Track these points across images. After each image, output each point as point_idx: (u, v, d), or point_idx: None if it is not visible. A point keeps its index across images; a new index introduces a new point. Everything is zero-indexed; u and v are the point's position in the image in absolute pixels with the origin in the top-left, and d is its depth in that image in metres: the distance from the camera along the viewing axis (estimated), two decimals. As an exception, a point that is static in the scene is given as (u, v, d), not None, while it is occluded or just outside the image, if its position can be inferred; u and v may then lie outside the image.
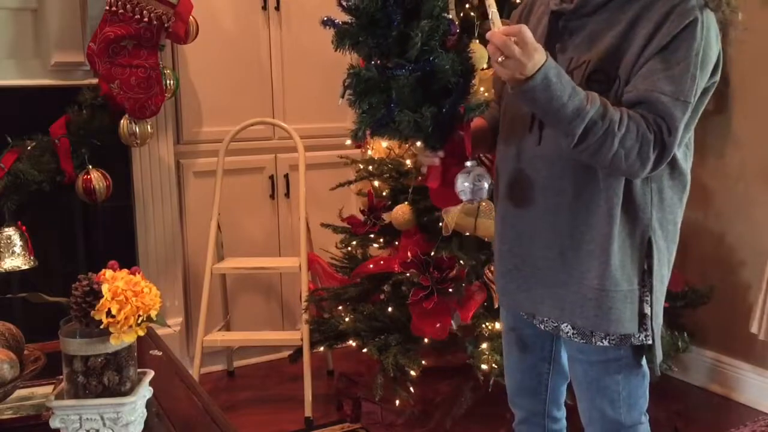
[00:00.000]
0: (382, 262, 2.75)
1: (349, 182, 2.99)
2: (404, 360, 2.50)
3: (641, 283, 1.42)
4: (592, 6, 1.39)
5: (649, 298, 1.43)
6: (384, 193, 2.85)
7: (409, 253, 2.58)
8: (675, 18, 1.29)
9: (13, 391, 1.48)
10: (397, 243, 2.81)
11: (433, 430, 2.66)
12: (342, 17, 1.35)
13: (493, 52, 1.25)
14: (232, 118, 3.14)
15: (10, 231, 2.57)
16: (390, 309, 2.66)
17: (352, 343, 2.73)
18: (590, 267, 1.41)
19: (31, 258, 2.59)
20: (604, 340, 1.45)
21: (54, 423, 1.29)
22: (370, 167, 2.90)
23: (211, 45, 3.15)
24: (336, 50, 1.35)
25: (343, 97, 1.36)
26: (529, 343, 1.64)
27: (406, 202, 2.67)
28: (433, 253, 2.55)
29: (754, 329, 2.70)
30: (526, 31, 1.23)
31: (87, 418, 1.29)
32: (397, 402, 2.61)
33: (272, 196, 3.39)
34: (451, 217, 2.50)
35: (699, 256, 3.00)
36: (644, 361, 1.51)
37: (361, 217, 2.89)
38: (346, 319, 2.72)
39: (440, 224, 2.56)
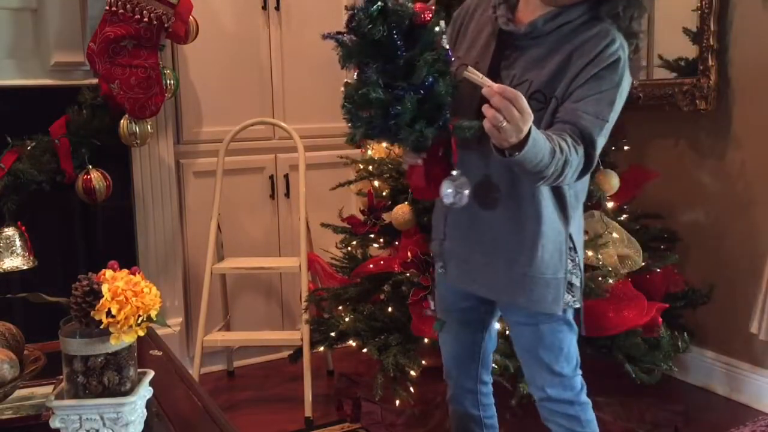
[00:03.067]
0: (382, 262, 2.75)
1: (349, 182, 2.98)
2: (404, 360, 2.50)
3: (568, 271, 1.66)
4: (538, 32, 1.57)
5: (579, 279, 1.70)
6: (384, 193, 2.85)
7: (409, 253, 2.58)
8: (604, 56, 1.51)
9: (13, 391, 1.48)
10: (397, 243, 2.81)
11: (433, 430, 2.66)
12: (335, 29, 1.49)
13: (493, 116, 1.32)
14: (232, 118, 3.14)
15: (10, 231, 2.57)
16: (390, 309, 2.66)
17: (352, 343, 2.73)
18: (519, 256, 1.63)
19: (31, 258, 2.59)
20: None
21: (54, 423, 1.29)
22: (370, 167, 2.90)
23: (211, 45, 3.15)
24: (342, 68, 1.47)
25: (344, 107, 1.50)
26: (468, 316, 1.85)
27: (406, 202, 2.67)
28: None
29: (754, 329, 2.70)
30: (521, 97, 1.33)
31: (87, 418, 1.29)
32: (397, 402, 2.60)
33: (272, 196, 3.39)
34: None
35: (699, 256, 3.01)
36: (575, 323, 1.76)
37: (361, 217, 2.89)
38: (346, 319, 2.72)
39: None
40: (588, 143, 1.48)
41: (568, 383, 1.75)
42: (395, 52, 1.41)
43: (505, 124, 1.31)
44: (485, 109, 1.33)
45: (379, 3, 1.39)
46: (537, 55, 1.56)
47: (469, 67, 1.42)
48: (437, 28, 1.43)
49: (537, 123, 1.43)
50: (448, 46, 1.45)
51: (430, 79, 1.42)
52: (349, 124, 1.49)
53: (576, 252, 1.68)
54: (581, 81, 1.51)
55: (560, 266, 1.65)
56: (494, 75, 1.58)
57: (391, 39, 1.40)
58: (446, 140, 1.54)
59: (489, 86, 1.35)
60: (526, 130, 1.33)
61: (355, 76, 1.48)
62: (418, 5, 1.44)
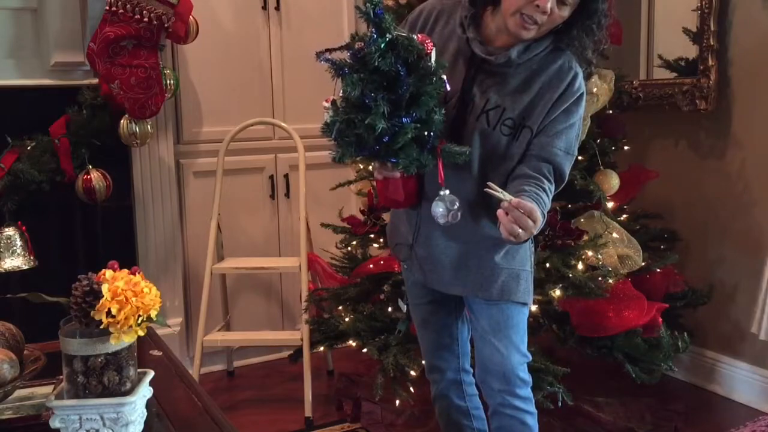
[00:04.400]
0: (382, 262, 2.75)
1: (349, 182, 2.98)
2: (404, 360, 2.50)
3: (531, 264, 1.81)
4: (513, 63, 1.65)
5: (533, 272, 1.85)
6: (384, 193, 2.85)
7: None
8: (571, 92, 1.66)
9: (13, 391, 1.48)
10: (397, 243, 2.81)
11: (433, 430, 2.66)
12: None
13: (511, 228, 1.48)
14: (232, 118, 3.14)
15: (10, 231, 2.57)
16: (390, 309, 2.66)
17: (352, 343, 2.73)
18: (493, 252, 1.73)
19: (31, 258, 2.59)
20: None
21: (54, 423, 1.29)
22: (370, 167, 2.89)
23: (211, 45, 3.15)
24: (351, 93, 1.48)
25: (333, 133, 1.55)
26: (438, 306, 1.91)
27: (406, 202, 2.66)
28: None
29: (754, 329, 2.70)
30: (536, 209, 1.49)
31: (87, 418, 1.29)
32: (397, 402, 2.60)
33: (272, 196, 3.39)
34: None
35: (699, 256, 3.01)
36: None
37: (361, 217, 2.89)
38: (346, 319, 2.72)
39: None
40: (559, 179, 1.67)
41: (526, 366, 1.84)
42: (401, 84, 1.45)
43: (521, 232, 1.48)
44: (502, 217, 1.48)
45: (388, 35, 1.42)
46: (512, 85, 1.66)
47: (490, 183, 1.52)
48: (437, 61, 1.50)
49: (505, 147, 1.64)
50: (444, 77, 1.51)
51: (431, 112, 1.49)
52: (337, 143, 1.54)
53: (535, 248, 1.83)
54: (552, 115, 1.65)
55: (527, 259, 1.80)
56: (467, 96, 1.66)
57: (397, 71, 1.44)
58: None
59: (509, 201, 1.48)
60: (536, 232, 1.52)
61: (341, 93, 1.52)
62: (420, 36, 1.49)
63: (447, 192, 1.58)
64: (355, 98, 1.47)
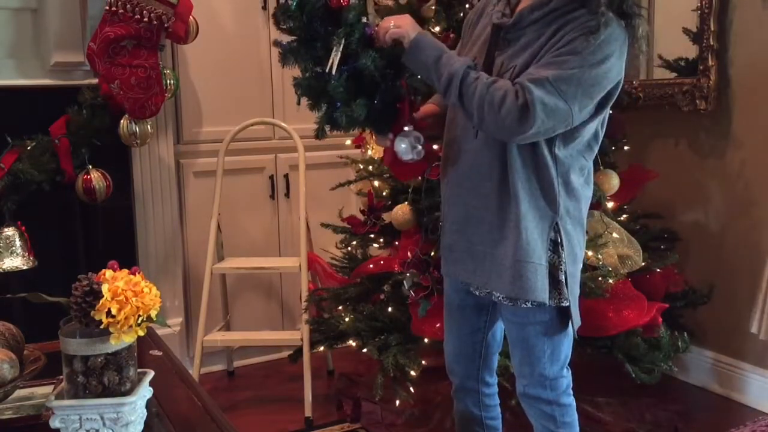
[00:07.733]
0: (382, 262, 2.75)
1: (349, 182, 2.99)
2: (404, 360, 2.50)
3: (550, 259, 1.64)
4: (526, 21, 1.60)
5: (564, 272, 1.65)
6: (384, 193, 2.85)
7: (409, 253, 2.58)
8: (576, 29, 1.51)
9: (13, 391, 1.48)
10: (397, 243, 2.81)
11: (433, 430, 2.66)
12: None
13: (386, 27, 1.58)
14: (232, 118, 3.14)
15: (10, 231, 2.57)
16: (390, 309, 2.66)
17: (352, 343, 2.73)
18: (508, 242, 1.63)
19: (31, 258, 2.59)
20: (526, 303, 1.66)
21: (54, 423, 1.30)
22: (370, 167, 2.90)
23: (211, 45, 3.15)
24: (283, 68, 1.61)
25: (299, 103, 1.65)
26: (468, 313, 1.87)
27: (406, 202, 2.67)
28: (433, 253, 2.55)
29: (754, 329, 2.70)
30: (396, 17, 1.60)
31: (87, 418, 1.29)
32: (397, 402, 2.60)
33: (272, 196, 3.39)
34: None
35: (699, 256, 3.01)
36: (569, 324, 1.73)
37: (361, 217, 2.89)
38: (346, 319, 2.72)
39: (440, 224, 2.56)
40: (521, 87, 1.49)
41: (549, 384, 1.76)
42: (317, 39, 1.52)
43: (393, 24, 1.57)
44: (381, 29, 1.58)
45: None
46: (525, 42, 1.60)
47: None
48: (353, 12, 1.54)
49: None
50: (369, 20, 1.56)
51: (355, 58, 1.53)
52: (318, 115, 1.63)
53: (562, 246, 1.64)
54: (544, 53, 1.54)
55: (543, 252, 1.62)
56: (488, 68, 1.65)
57: (311, 28, 1.50)
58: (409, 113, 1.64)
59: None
60: (408, 21, 1.58)
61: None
62: None
63: (410, 128, 1.61)
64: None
